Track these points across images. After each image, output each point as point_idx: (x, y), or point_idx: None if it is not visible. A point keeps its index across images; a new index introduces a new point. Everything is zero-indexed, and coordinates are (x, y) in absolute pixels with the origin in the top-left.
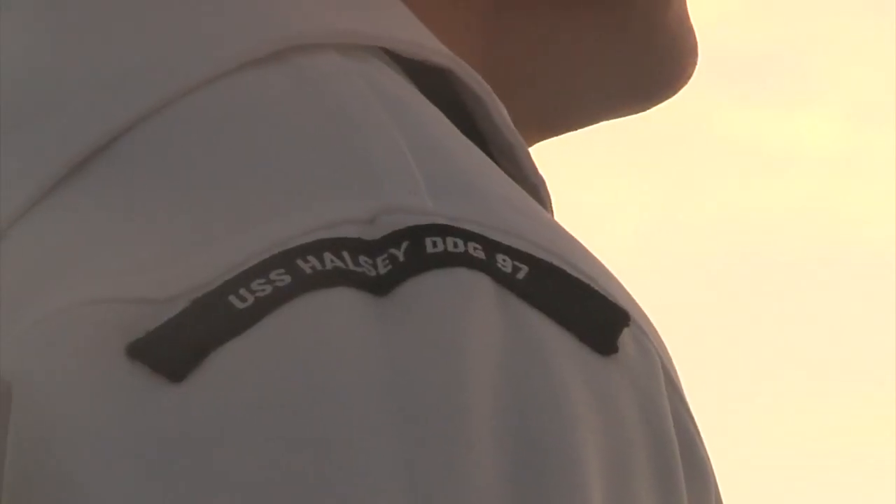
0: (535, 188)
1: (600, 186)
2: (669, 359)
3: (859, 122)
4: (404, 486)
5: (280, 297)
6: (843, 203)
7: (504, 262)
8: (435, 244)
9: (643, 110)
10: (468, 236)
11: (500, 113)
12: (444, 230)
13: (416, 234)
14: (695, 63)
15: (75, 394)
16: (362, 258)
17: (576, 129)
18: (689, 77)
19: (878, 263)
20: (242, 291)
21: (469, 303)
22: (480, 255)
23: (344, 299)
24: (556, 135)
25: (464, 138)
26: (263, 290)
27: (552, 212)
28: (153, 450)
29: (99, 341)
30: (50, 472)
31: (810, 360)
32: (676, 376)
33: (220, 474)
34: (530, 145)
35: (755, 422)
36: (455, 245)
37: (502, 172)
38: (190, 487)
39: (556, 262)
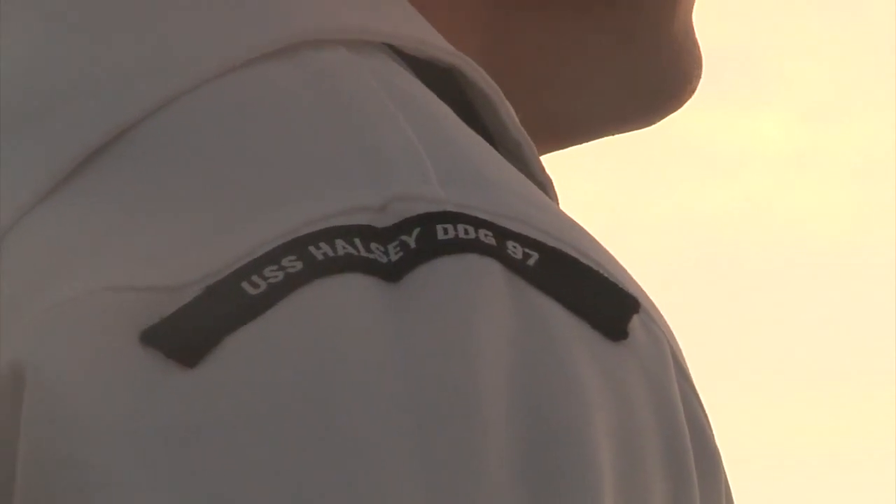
0: (542, 186)
1: (555, 187)
2: (678, 346)
3: (812, 122)
4: (419, 473)
5: (292, 284)
6: (797, 202)
7: (514, 249)
8: (446, 231)
9: (648, 124)
10: (479, 223)
11: (508, 111)
12: (455, 217)
13: (427, 222)
14: (699, 76)
15: (89, 380)
16: (374, 245)
17: (579, 142)
18: (693, 90)
19: (831, 262)
20: (255, 278)
21: (479, 288)
22: (491, 241)
23: (355, 285)
24: (560, 147)
25: (472, 132)
26: (276, 276)
27: None
28: (166, 435)
29: (112, 328)
30: (63, 458)
31: (768, 359)
32: (685, 363)
33: (232, 458)
34: None
35: (723, 420)
36: (466, 232)
37: (511, 165)
38: (201, 471)
39: (565, 249)
